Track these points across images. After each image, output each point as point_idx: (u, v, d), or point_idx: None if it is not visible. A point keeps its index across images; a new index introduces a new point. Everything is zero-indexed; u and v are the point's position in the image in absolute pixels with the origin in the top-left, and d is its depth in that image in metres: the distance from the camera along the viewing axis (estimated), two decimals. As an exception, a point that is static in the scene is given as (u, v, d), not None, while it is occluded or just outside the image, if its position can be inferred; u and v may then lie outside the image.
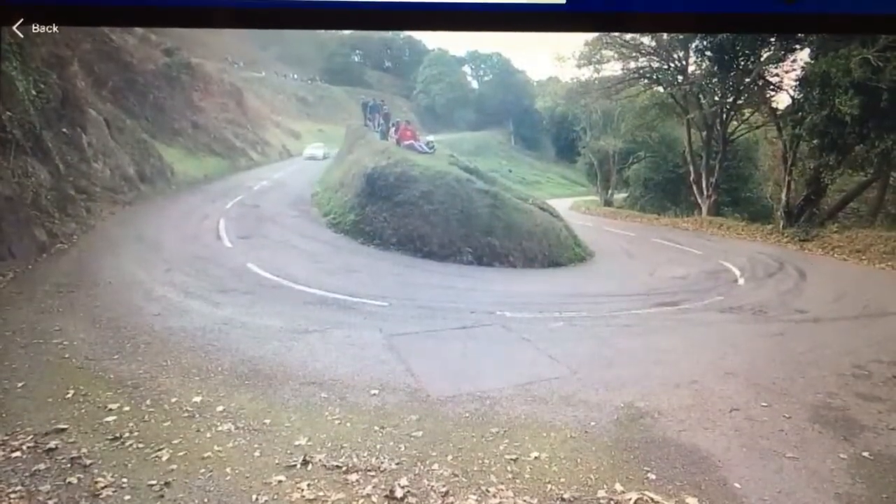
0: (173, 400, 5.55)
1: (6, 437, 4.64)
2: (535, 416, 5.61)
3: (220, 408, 5.44)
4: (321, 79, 58.18)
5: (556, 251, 15.47)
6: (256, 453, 4.71)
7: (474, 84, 70.70)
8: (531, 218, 15.65)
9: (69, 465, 4.36)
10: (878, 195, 21.25)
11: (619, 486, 4.45)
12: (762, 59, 22.91)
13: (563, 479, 4.53)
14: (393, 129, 20.28)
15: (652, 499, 4.30)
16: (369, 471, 4.53)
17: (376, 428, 5.27)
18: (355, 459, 4.69)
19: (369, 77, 66.37)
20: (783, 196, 21.85)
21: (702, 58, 25.02)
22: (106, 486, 4.13)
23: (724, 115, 26.11)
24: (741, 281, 13.50)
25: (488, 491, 4.34)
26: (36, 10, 5.35)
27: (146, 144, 18.32)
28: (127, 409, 5.32)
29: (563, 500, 4.27)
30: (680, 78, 26.60)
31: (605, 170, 36.93)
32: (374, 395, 5.97)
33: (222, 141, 26.11)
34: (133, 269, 10.19)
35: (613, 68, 28.91)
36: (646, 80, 28.82)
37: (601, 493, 4.36)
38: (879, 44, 15.88)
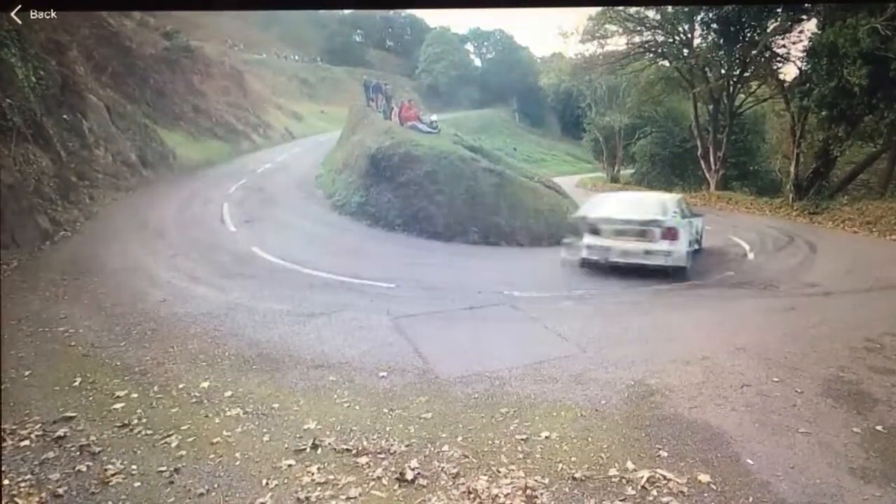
0: (181, 386, 5.54)
1: (14, 426, 4.63)
2: (545, 396, 5.57)
3: (228, 393, 5.43)
4: (322, 59, 57.79)
5: (562, 229, 15.37)
6: (265, 438, 4.69)
7: (477, 62, 69.86)
8: (537, 196, 15.57)
9: (78, 453, 4.35)
10: (889, 166, 21.04)
11: (630, 464, 4.41)
12: (768, 31, 22.60)
13: (574, 459, 4.49)
14: (396, 109, 20.08)
15: (664, 476, 4.25)
16: (379, 453, 4.50)
17: (385, 410, 5.24)
18: (365, 442, 4.66)
19: (371, 57, 65.95)
20: (792, 169, 21.68)
21: (707, 30, 24.73)
22: (115, 474, 4.12)
23: (731, 88, 25.84)
24: (751, 255, 13.41)
25: (499, 471, 4.31)
26: (34, -4, 5.24)
27: (147, 129, 18.26)
28: (135, 395, 5.30)
29: (574, 479, 4.23)
30: (685, 51, 26.30)
31: (611, 146, 36.72)
32: (383, 377, 5.94)
33: (224, 124, 26.04)
34: (137, 256, 10.19)
35: (618, 43, 28.71)
36: (651, 55, 28.54)
37: (612, 472, 4.32)
38: (888, 12, 15.61)
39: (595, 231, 10.95)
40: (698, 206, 23.30)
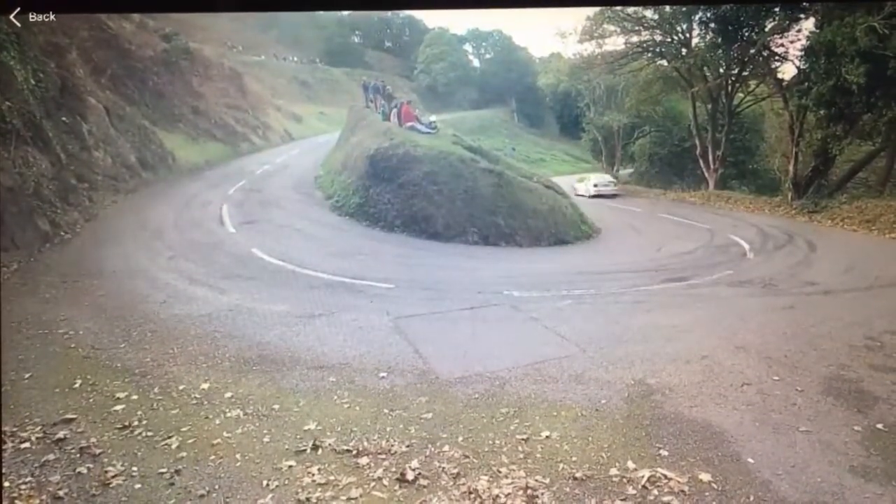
0: (181, 387, 5.54)
1: (15, 429, 4.63)
2: (545, 396, 5.58)
3: (228, 394, 5.43)
4: (321, 61, 57.71)
5: (562, 229, 15.40)
6: (266, 439, 4.69)
7: (476, 62, 69.74)
8: (536, 196, 15.56)
9: (79, 455, 4.35)
10: (887, 164, 21.06)
11: (631, 464, 4.41)
12: (766, 30, 22.60)
13: (574, 458, 4.50)
14: (395, 110, 20.04)
15: (665, 475, 4.26)
16: (380, 454, 4.51)
17: (386, 411, 5.24)
18: (365, 443, 4.67)
19: (370, 58, 65.86)
20: (791, 168, 21.70)
21: (705, 30, 24.74)
22: (116, 476, 4.12)
23: (730, 88, 25.90)
24: (750, 254, 13.42)
25: (500, 471, 4.32)
26: (33, -2, 5.22)
27: (147, 131, 18.23)
28: (135, 397, 5.30)
29: (575, 478, 4.24)
30: (684, 51, 26.33)
31: (610, 145, 36.74)
32: (383, 377, 5.95)
33: (223, 126, 25.98)
34: (137, 258, 10.18)
35: (616, 43, 28.78)
36: (649, 54, 28.58)
37: (613, 471, 4.32)
38: (885, 11, 15.63)
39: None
40: (697, 205, 23.46)
